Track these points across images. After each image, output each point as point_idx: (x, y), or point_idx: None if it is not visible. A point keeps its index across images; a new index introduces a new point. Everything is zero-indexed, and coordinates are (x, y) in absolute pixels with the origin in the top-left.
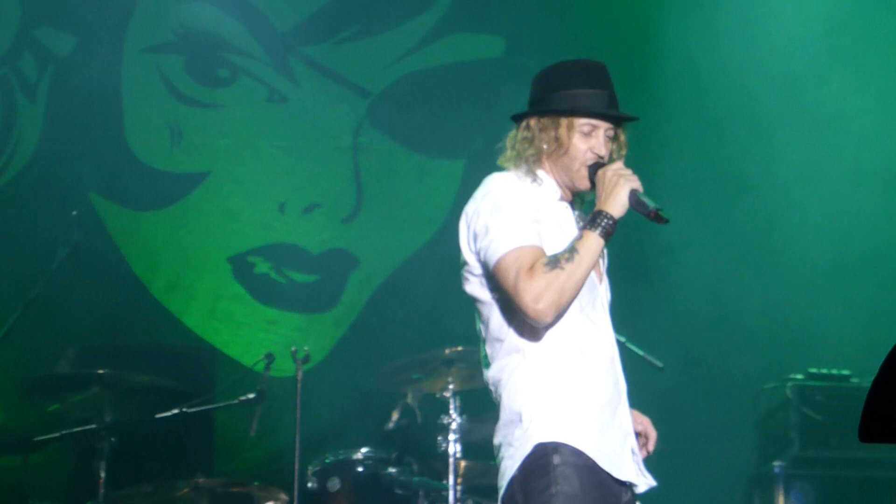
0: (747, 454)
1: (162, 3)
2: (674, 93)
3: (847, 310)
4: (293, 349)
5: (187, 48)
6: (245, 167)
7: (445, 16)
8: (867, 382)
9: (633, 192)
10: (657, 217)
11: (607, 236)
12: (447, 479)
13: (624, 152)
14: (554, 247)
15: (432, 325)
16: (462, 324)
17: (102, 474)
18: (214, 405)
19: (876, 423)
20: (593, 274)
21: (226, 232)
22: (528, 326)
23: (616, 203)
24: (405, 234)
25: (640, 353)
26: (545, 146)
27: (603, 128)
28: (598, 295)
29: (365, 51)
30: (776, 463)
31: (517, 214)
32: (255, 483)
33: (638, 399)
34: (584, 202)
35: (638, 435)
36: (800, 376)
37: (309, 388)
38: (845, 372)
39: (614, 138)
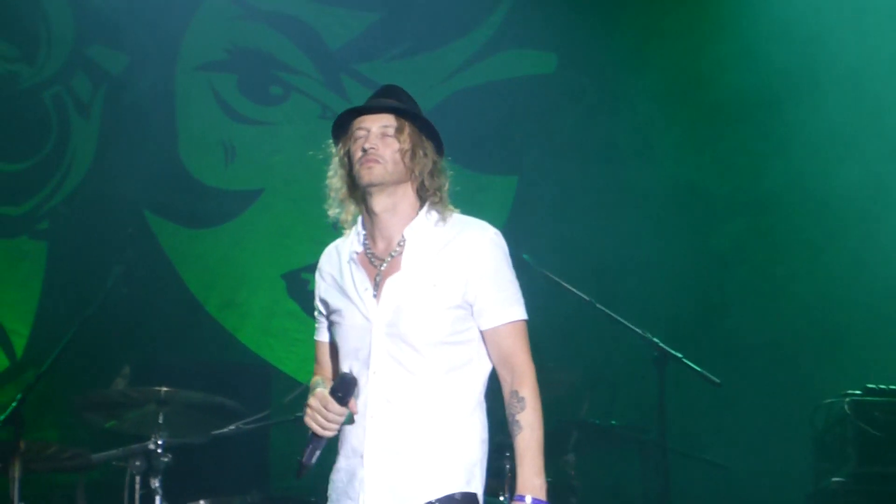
0: (805, 471)
1: (214, 21)
2: (728, 107)
3: None
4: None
5: (240, 66)
6: (298, 184)
7: (497, 33)
8: None
9: (315, 439)
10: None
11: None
12: (503, 494)
13: (405, 146)
14: (340, 310)
15: None
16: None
17: (158, 491)
18: (270, 422)
19: None
20: (372, 328)
21: (279, 249)
22: None
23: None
24: None
25: (697, 369)
26: (342, 169)
27: (376, 124)
28: (367, 348)
29: (417, 67)
30: (834, 479)
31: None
32: (312, 500)
33: (696, 416)
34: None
35: None
36: (857, 392)
37: None
38: None
39: (399, 132)
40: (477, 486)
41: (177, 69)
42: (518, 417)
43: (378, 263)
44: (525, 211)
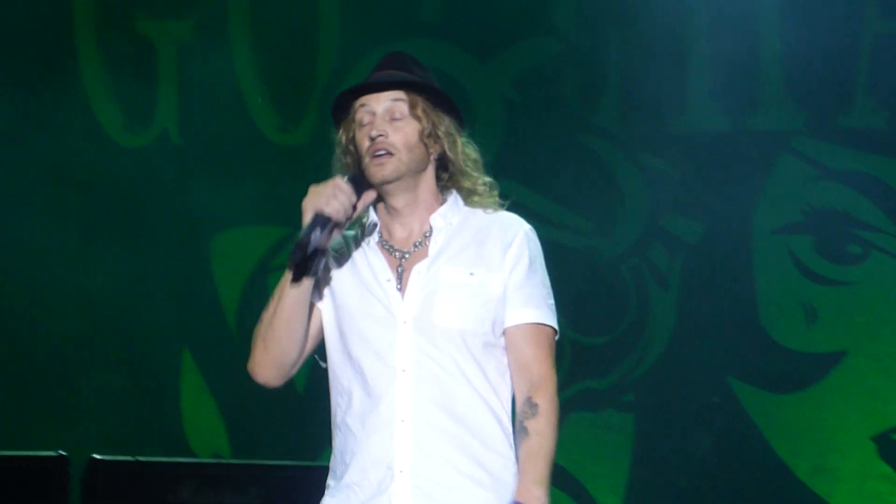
0: None
1: (789, 184)
2: None
3: None
4: None
5: (816, 227)
6: (883, 344)
7: None
8: None
9: (315, 217)
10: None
11: (294, 268)
12: None
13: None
14: (354, 298)
15: None
16: None
17: None
18: None
19: None
20: (397, 323)
21: (867, 410)
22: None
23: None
24: None
25: None
26: (346, 158)
27: (382, 104)
28: (390, 343)
29: None
30: None
31: None
32: None
33: None
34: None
35: None
36: None
37: None
38: None
39: (412, 108)
40: None
41: (752, 233)
42: (527, 423)
43: (399, 254)
44: None
